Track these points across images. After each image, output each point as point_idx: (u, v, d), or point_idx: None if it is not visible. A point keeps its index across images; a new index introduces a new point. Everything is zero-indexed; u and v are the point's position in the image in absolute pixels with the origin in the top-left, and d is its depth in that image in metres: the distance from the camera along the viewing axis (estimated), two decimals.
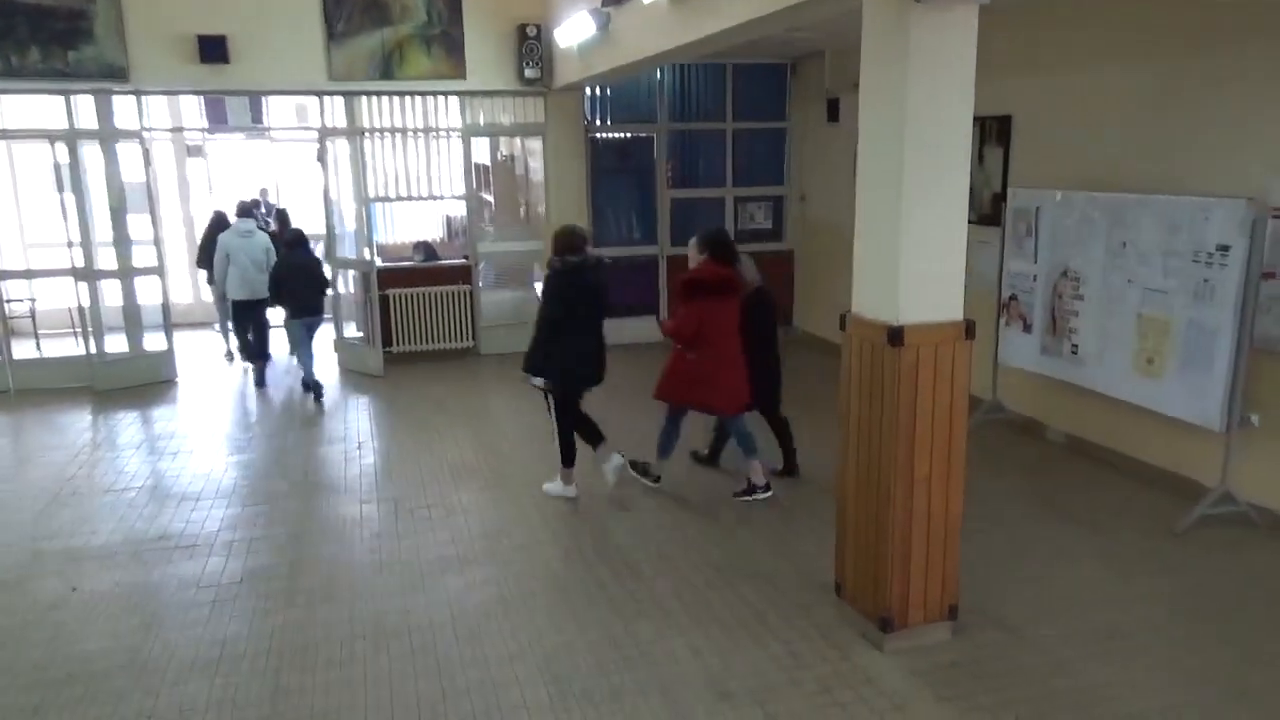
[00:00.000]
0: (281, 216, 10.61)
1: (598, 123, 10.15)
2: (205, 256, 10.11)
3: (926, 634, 4.02)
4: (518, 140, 10.61)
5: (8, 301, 9.73)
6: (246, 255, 8.87)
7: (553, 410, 5.81)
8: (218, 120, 11.68)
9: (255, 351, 9.06)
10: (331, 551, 5.15)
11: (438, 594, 4.62)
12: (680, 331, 5.58)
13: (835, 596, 4.37)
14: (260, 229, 9.36)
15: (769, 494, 5.79)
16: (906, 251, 3.66)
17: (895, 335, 3.70)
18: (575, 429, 5.87)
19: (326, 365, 9.49)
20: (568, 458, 5.83)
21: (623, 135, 10.37)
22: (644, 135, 10.34)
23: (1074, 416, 6.65)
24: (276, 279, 8.26)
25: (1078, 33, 6.36)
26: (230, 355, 10.09)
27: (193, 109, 11.87)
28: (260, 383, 8.94)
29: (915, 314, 3.72)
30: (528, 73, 9.25)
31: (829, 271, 10.01)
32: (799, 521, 5.47)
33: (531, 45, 9.18)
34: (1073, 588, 4.58)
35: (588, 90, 9.85)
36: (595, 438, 5.93)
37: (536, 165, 10.36)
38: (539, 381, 5.75)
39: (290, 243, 8.37)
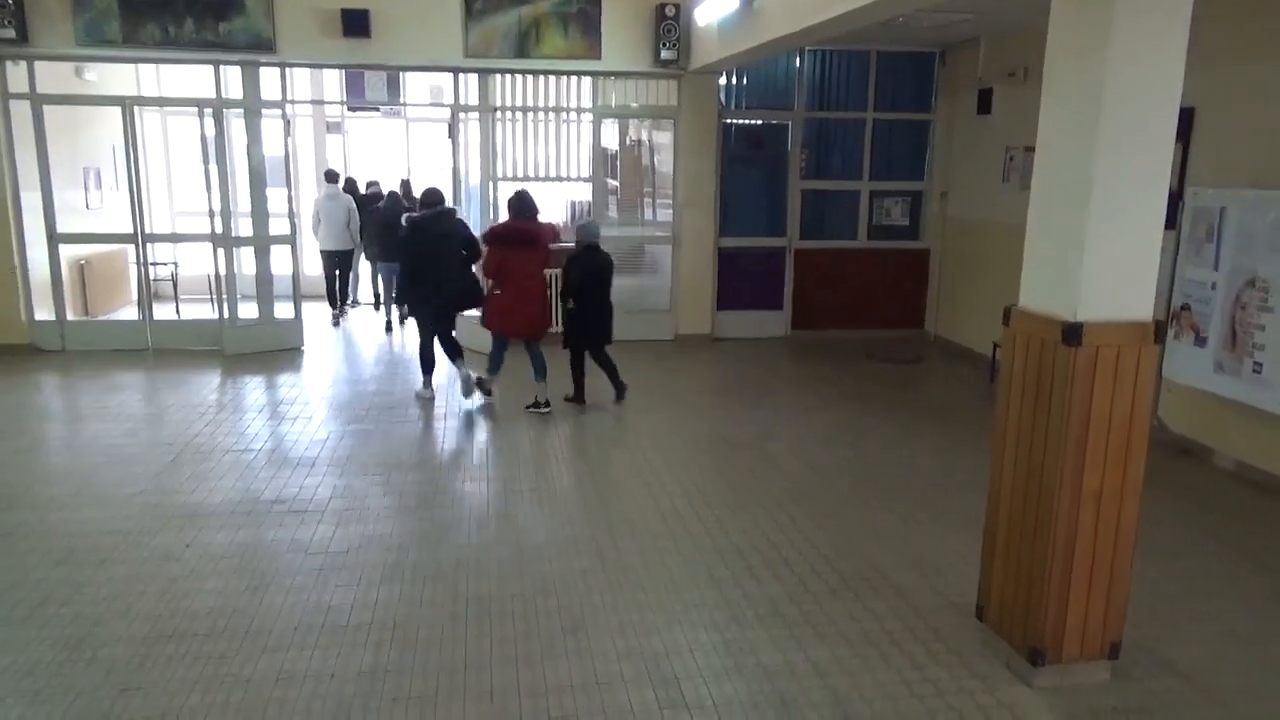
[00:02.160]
0: (405, 189, 11.14)
1: (731, 108, 9.80)
2: (370, 233, 10.67)
3: (1083, 672, 3.56)
4: (645, 126, 10.41)
5: (153, 264, 10.17)
6: (333, 215, 10.52)
7: (418, 331, 7.63)
8: (357, 96, 11.89)
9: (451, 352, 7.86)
10: (441, 528, 5.02)
11: (544, 579, 4.41)
12: (484, 271, 7.17)
13: (976, 620, 3.94)
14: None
15: (549, 410, 7.18)
16: (1094, 236, 3.21)
17: (1072, 333, 3.26)
18: (443, 345, 7.52)
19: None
20: (425, 368, 7.63)
21: (756, 122, 9.99)
22: (778, 123, 9.94)
23: (1249, 442, 5.95)
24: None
25: (1272, 19, 5.66)
26: (389, 326, 10.55)
27: (334, 87, 12.13)
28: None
29: (1097, 310, 3.26)
30: (664, 54, 9.00)
31: (970, 274, 9.41)
32: (931, 533, 5.03)
33: (669, 25, 8.92)
34: (1255, 633, 4.01)
35: (723, 75, 9.53)
36: (456, 355, 7.56)
37: (665, 151, 10.11)
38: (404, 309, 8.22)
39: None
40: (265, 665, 3.63)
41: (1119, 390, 3.31)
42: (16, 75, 8.44)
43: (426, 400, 7.57)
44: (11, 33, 7.98)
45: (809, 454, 6.30)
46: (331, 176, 10.84)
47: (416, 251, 7.16)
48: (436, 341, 7.53)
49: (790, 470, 6.00)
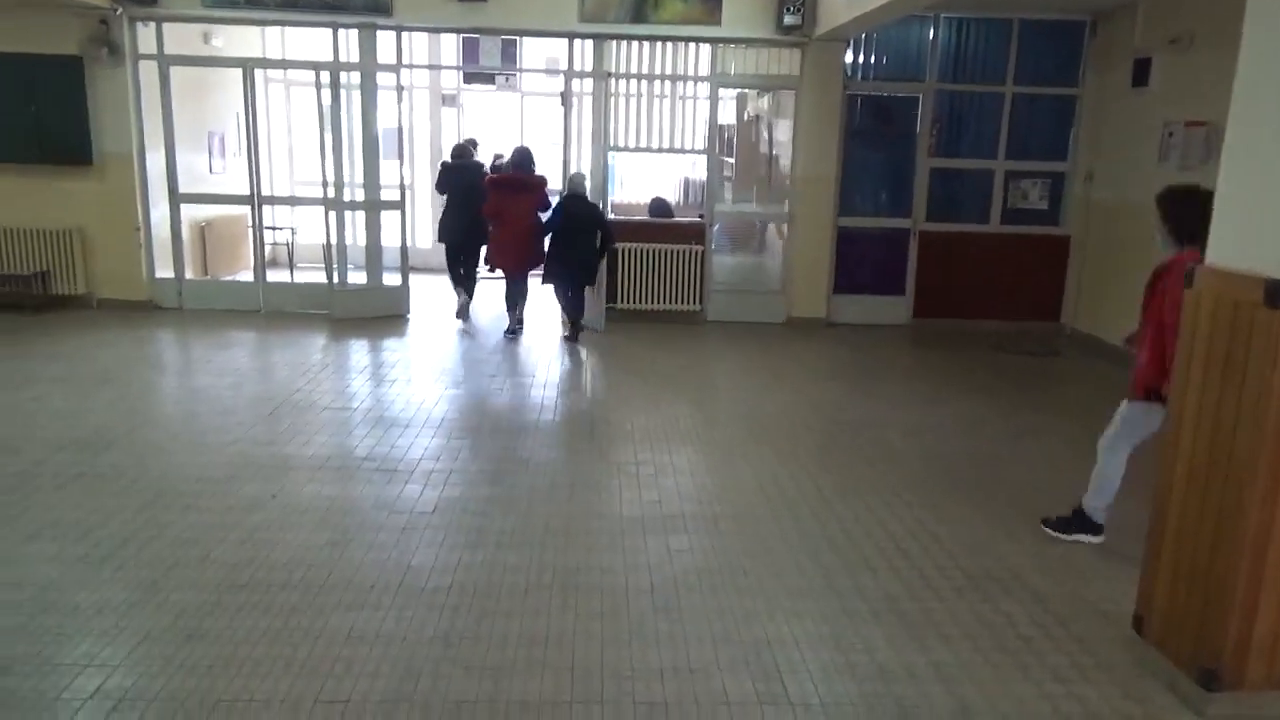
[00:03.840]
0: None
1: (857, 79, 9.24)
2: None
3: (1270, 703, 2.99)
4: (763, 100, 9.97)
5: (270, 229, 10.31)
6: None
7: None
8: (473, 71, 11.83)
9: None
10: (529, 496, 4.73)
11: (636, 555, 4.07)
12: (484, 212, 8.29)
13: (1133, 632, 3.40)
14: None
15: (517, 333, 8.45)
16: None
17: (1276, 291, 2.70)
18: (456, 279, 9.22)
19: (546, 315, 9.30)
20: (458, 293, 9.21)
21: (884, 94, 9.39)
22: (907, 96, 9.32)
23: None
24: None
25: None
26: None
27: (450, 59, 12.10)
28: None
29: None
30: (787, 19, 8.52)
31: (1117, 263, 8.61)
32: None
33: None
34: None
35: (849, 43, 8.97)
36: (468, 289, 9.22)
37: (784, 124, 9.63)
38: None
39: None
40: (336, 621, 3.40)
41: None
42: (145, 37, 8.61)
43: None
44: None
45: (929, 444, 5.77)
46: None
47: (450, 195, 8.94)
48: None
49: (909, 460, 5.49)
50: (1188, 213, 3.75)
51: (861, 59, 9.23)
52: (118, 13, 8.30)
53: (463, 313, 9.13)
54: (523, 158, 8.48)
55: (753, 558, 4.09)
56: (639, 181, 11.67)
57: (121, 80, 8.51)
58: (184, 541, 4.03)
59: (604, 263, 8.75)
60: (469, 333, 8.76)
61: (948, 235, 9.37)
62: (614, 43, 8.88)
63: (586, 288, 8.52)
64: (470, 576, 3.81)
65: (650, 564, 3.99)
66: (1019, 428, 6.22)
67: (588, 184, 8.42)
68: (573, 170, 8.68)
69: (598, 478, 5.03)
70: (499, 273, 8.70)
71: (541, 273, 8.29)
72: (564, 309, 8.49)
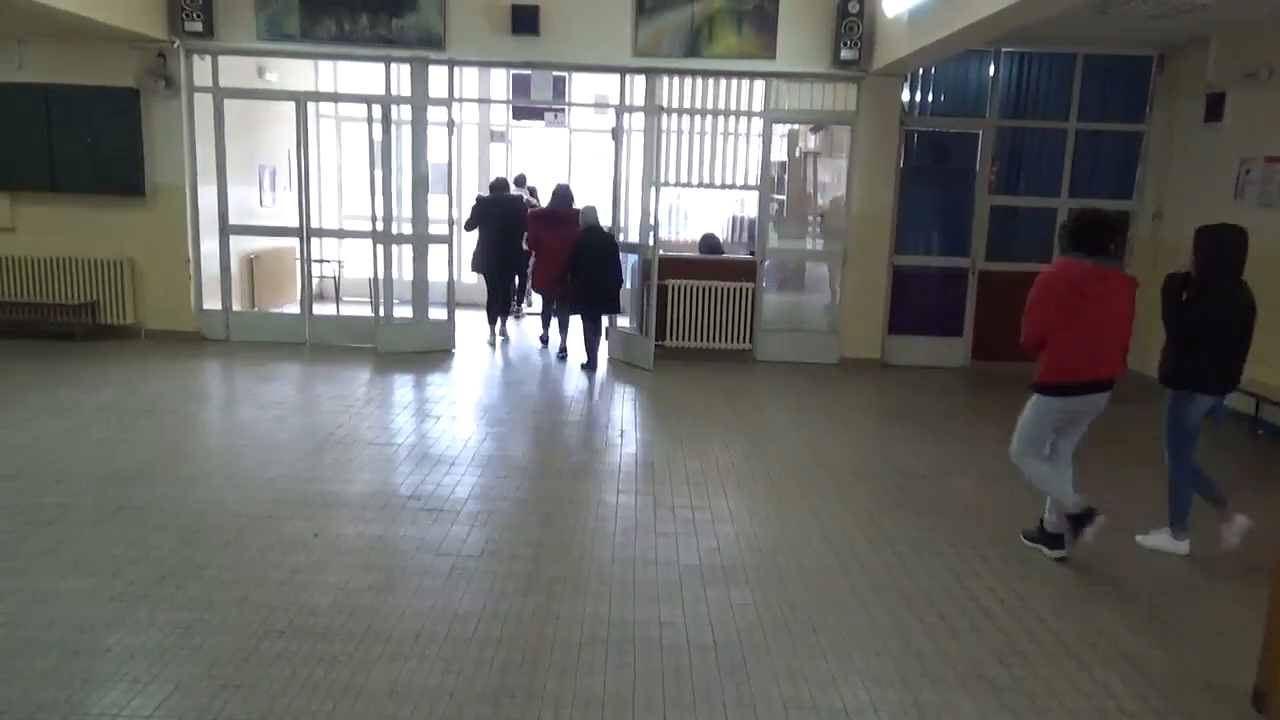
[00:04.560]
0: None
1: (915, 115, 9.02)
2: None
3: None
4: (816, 136, 9.81)
5: (318, 261, 10.29)
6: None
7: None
8: (522, 107, 11.83)
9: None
10: (581, 539, 4.50)
11: (697, 608, 3.80)
12: (527, 243, 9.20)
13: (1251, 710, 3.06)
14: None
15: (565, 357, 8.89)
16: None
17: None
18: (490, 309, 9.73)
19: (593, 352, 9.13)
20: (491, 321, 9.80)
21: (942, 130, 9.15)
22: (967, 132, 9.08)
23: None
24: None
25: None
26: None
27: (500, 93, 12.11)
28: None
29: None
30: (844, 53, 8.36)
31: None
32: (1174, 595, 4.12)
33: (852, 22, 8.29)
34: None
35: (907, 78, 8.78)
36: (502, 315, 9.81)
37: (838, 160, 9.44)
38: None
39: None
40: (379, 675, 3.17)
41: None
42: (201, 70, 8.66)
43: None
44: (199, 26, 8.19)
45: (1001, 493, 5.44)
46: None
47: (483, 227, 9.36)
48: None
49: (981, 509, 5.18)
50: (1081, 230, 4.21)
51: (919, 94, 9.02)
52: (175, 45, 8.37)
53: (492, 340, 9.62)
54: (561, 193, 9.10)
55: (823, 614, 3.80)
56: (686, 218, 11.53)
57: (176, 112, 8.56)
58: (221, 582, 3.84)
59: (652, 302, 8.58)
60: (514, 366, 8.60)
61: (1009, 275, 9.03)
62: (666, 77, 8.76)
63: (615, 323, 8.84)
64: (520, 628, 3.57)
65: (713, 618, 3.72)
66: (1096, 478, 5.85)
67: (619, 218, 8.93)
68: (624, 208, 8.56)
69: (652, 522, 4.77)
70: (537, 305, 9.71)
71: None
72: (584, 337, 8.73)
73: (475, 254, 9.52)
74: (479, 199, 9.66)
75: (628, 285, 9.29)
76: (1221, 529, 4.45)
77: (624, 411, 7.18)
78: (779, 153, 10.15)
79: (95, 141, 8.50)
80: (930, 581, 4.15)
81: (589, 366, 8.57)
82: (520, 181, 10.62)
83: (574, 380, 8.13)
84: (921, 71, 8.92)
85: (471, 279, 12.08)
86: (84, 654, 3.22)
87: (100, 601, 3.61)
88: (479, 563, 4.16)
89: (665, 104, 8.77)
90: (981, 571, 4.29)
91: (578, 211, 8.68)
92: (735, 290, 9.04)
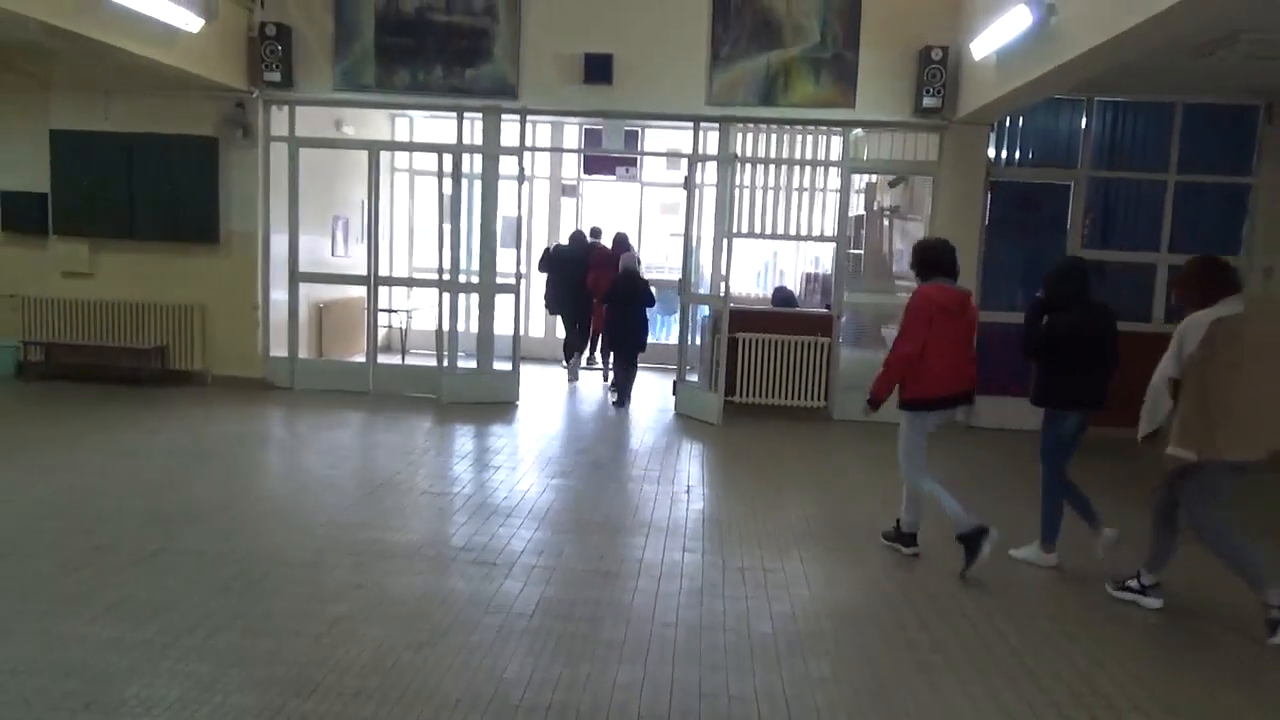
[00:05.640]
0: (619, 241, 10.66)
1: (1000, 165, 8.62)
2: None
3: None
4: (893, 190, 9.49)
5: (386, 311, 10.25)
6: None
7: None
8: (593, 162, 11.75)
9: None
10: (642, 600, 4.12)
11: (770, 681, 3.38)
12: (587, 282, 9.88)
13: None
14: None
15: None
16: None
17: None
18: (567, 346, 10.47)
19: (659, 406, 8.83)
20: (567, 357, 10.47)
21: (1031, 182, 8.71)
22: (1057, 183, 8.64)
23: None
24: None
25: None
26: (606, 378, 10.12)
27: (571, 146, 12.08)
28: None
29: None
30: (927, 101, 8.04)
31: None
32: None
33: (935, 70, 7.98)
34: None
35: (993, 126, 8.41)
36: (578, 349, 10.37)
37: (917, 212, 9.08)
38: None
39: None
40: None
41: None
42: (278, 120, 8.77)
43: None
44: (278, 76, 8.29)
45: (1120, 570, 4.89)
46: (595, 233, 10.72)
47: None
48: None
49: (1082, 577, 4.65)
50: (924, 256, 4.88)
51: (1005, 145, 8.63)
52: (254, 95, 8.49)
53: (572, 375, 10.19)
54: (619, 241, 10.15)
55: (914, 694, 3.34)
56: (758, 268, 11.27)
57: (252, 161, 8.65)
58: (255, 632, 3.56)
59: (722, 355, 8.28)
60: (579, 419, 8.33)
61: None
62: (739, 125, 8.56)
63: (684, 376, 8.79)
64: (573, 695, 3.20)
65: (788, 693, 3.30)
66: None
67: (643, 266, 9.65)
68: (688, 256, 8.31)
69: (719, 584, 4.38)
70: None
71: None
72: (613, 374, 9.37)
73: (545, 295, 10.49)
74: (556, 246, 10.60)
75: (696, 341, 9.03)
76: (1093, 542, 4.76)
77: (690, 467, 6.80)
78: (857, 205, 9.83)
79: (173, 189, 8.61)
80: (1040, 664, 3.65)
81: (619, 404, 8.96)
82: (596, 234, 10.65)
83: (639, 435, 7.80)
84: (1008, 122, 8.54)
85: (537, 331, 12.02)
86: (96, 707, 2.96)
87: (124, 649, 3.36)
88: (531, 622, 3.81)
89: (740, 153, 8.55)
90: (1101, 657, 3.77)
91: (633, 256, 9.40)
92: (809, 345, 8.65)
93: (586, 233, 10.73)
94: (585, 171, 12.13)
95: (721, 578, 4.45)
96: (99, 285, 8.85)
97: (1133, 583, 4.37)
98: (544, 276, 10.45)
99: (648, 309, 9.15)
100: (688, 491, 6.09)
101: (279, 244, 8.92)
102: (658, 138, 12.14)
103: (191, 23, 7.26)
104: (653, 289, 9.29)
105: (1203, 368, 3.94)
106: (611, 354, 9.66)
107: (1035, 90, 6.74)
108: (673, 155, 11.69)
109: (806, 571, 4.59)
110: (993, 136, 8.48)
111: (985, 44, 6.90)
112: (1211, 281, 4.16)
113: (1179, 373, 4.05)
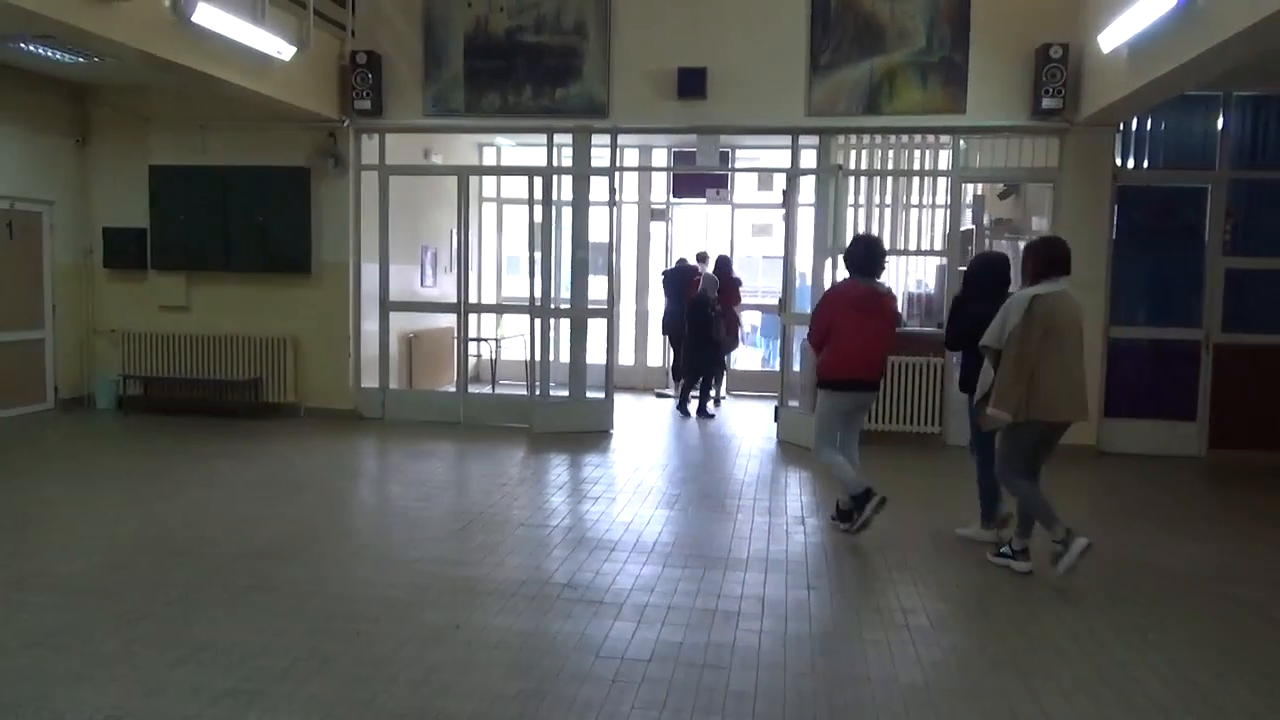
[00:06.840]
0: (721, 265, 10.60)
1: (1128, 168, 7.96)
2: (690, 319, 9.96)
3: None
4: (1006, 202, 8.89)
5: (475, 339, 10.07)
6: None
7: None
8: (683, 184, 11.42)
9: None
10: (770, 645, 3.67)
11: None
12: (688, 299, 9.79)
13: None
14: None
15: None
16: None
17: None
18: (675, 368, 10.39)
19: (762, 433, 8.36)
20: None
21: (1163, 185, 8.02)
22: (1193, 186, 7.94)
23: None
24: None
25: None
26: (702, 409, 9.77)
27: (661, 173, 11.80)
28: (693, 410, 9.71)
29: None
30: (1046, 103, 7.47)
31: None
32: None
33: (1054, 69, 7.41)
34: None
35: (1119, 127, 7.78)
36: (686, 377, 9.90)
37: (1035, 222, 8.47)
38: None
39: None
40: None
41: None
42: (369, 149, 8.70)
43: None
44: (368, 104, 8.22)
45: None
46: (701, 258, 10.68)
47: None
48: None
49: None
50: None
51: (1131, 147, 7.98)
52: (345, 124, 8.43)
53: (681, 405, 9.74)
54: (722, 263, 10.37)
55: None
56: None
57: (343, 191, 8.59)
58: (349, 679, 3.24)
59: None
60: (678, 449, 7.93)
61: (1253, 348, 7.71)
62: (842, 137, 8.12)
63: (785, 402, 8.44)
64: None
65: None
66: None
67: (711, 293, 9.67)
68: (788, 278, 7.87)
69: (856, 626, 3.90)
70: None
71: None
72: (680, 390, 9.84)
73: (663, 319, 10.71)
74: (674, 268, 10.84)
75: (796, 368, 8.58)
76: (966, 530, 5.20)
77: (801, 496, 6.32)
78: (966, 220, 9.24)
79: (267, 221, 8.60)
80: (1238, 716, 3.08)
81: (682, 412, 9.59)
82: (702, 258, 10.48)
83: (742, 463, 7.34)
84: (1134, 123, 7.91)
85: (628, 359, 11.70)
86: None
87: (208, 698, 3.06)
88: (648, 669, 3.40)
89: (842, 165, 8.10)
90: None
91: (736, 279, 10.05)
92: (921, 366, 8.10)
93: (694, 257, 10.56)
94: (675, 194, 11.81)
95: (858, 620, 3.98)
96: (195, 319, 8.88)
97: (1005, 549, 4.72)
98: (659, 299, 10.87)
99: (709, 334, 9.51)
100: (802, 523, 5.61)
101: (370, 274, 8.82)
102: (748, 159, 11.78)
103: (285, 51, 7.21)
104: (718, 320, 9.55)
105: (1022, 338, 4.34)
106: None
107: (1173, 83, 6.13)
108: (768, 170, 11.30)
109: (941, 617, 4.07)
110: (1119, 139, 7.85)
111: (1116, 35, 6.32)
112: (1041, 261, 4.60)
113: (997, 342, 4.43)
